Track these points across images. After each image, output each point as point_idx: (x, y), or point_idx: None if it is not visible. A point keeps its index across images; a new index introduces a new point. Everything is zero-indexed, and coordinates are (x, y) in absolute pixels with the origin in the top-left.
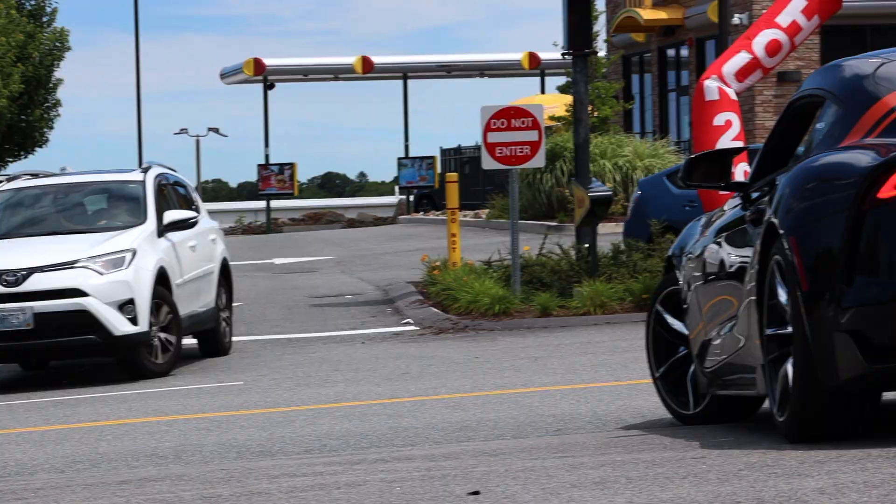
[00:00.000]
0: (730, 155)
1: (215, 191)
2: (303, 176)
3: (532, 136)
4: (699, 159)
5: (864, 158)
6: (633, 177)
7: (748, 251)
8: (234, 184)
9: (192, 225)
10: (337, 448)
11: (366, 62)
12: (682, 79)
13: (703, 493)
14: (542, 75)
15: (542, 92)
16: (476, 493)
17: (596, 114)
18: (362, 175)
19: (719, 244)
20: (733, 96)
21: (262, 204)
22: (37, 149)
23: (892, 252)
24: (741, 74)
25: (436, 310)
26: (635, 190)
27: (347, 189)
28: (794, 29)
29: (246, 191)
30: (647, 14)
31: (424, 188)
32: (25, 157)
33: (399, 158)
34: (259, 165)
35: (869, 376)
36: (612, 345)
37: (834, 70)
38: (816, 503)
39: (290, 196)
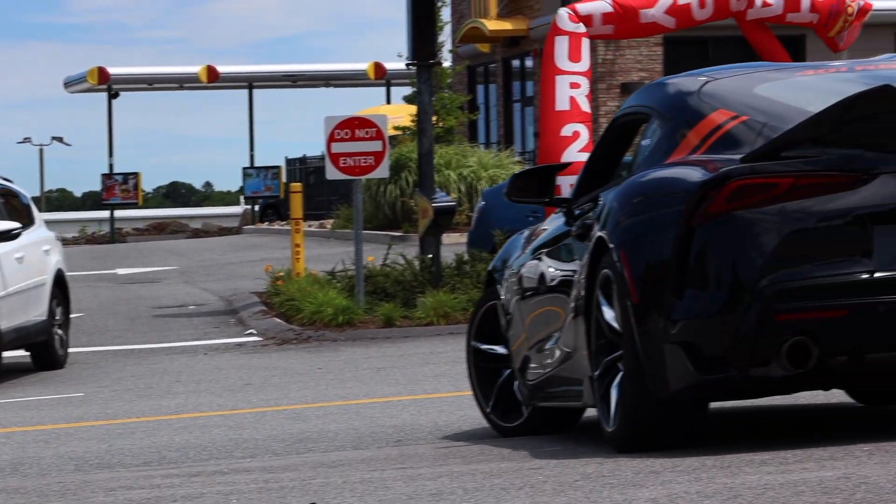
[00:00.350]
0: (553, 171)
1: (59, 200)
2: (148, 185)
3: (376, 146)
4: (523, 175)
5: (693, 174)
6: (477, 187)
7: (573, 265)
8: (78, 193)
9: (15, 236)
10: (176, 460)
11: (211, 71)
12: (527, 89)
13: None
14: (388, 85)
15: (388, 102)
16: None
17: (441, 124)
18: (208, 185)
19: (543, 258)
20: (585, 108)
21: (106, 214)
22: None
23: (720, 265)
24: (573, 55)
25: (279, 320)
26: (479, 200)
27: (193, 199)
28: None
29: (90, 200)
30: (493, 25)
31: (270, 198)
32: None
33: (244, 168)
34: (103, 175)
35: (700, 387)
36: (454, 355)
37: (659, 87)
38: None
39: (135, 206)
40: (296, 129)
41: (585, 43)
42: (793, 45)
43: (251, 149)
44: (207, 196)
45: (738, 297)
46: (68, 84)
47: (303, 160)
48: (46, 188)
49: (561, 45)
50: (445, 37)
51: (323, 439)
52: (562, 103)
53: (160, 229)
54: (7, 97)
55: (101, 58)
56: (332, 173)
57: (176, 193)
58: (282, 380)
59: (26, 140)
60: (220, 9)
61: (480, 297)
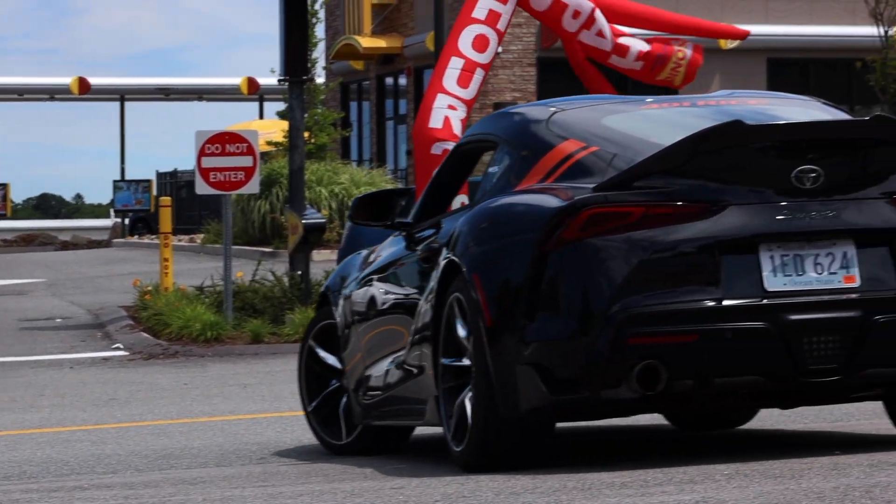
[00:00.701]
0: (394, 195)
1: None
2: (17, 197)
3: (247, 161)
4: (366, 199)
5: (548, 201)
6: (349, 204)
7: (417, 287)
8: None
9: None
10: (36, 475)
11: (82, 83)
12: (399, 107)
13: None
14: (261, 100)
15: (261, 117)
16: None
17: (313, 141)
18: (78, 197)
19: (384, 280)
20: (457, 130)
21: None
22: None
23: (574, 290)
24: (462, 81)
25: (146, 335)
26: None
27: (63, 211)
28: (493, 18)
29: None
30: (367, 42)
31: (140, 211)
32: None
33: (115, 181)
34: None
35: (551, 407)
36: None
37: (507, 117)
38: None
39: (3, 217)
40: (168, 143)
41: (479, 74)
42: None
43: (122, 161)
44: (78, 208)
45: (591, 320)
46: None
47: (174, 174)
48: None
49: (453, 68)
50: (319, 53)
51: (186, 455)
52: (435, 121)
53: (28, 241)
54: None
55: None
56: (201, 188)
57: (46, 205)
58: (147, 395)
59: None
60: (94, 21)
61: (313, 318)
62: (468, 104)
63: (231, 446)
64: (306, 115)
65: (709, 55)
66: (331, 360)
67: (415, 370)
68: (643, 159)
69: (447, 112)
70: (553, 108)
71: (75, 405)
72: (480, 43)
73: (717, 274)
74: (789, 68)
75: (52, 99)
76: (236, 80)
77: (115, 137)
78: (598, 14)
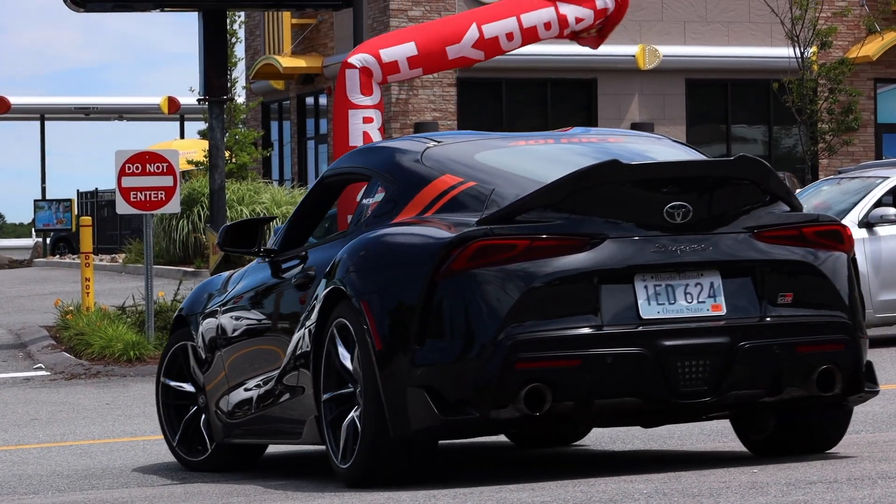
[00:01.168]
0: (262, 223)
1: None
2: None
3: (167, 181)
4: (234, 227)
5: (436, 233)
6: (270, 224)
7: (290, 312)
8: None
9: None
10: None
11: (2, 102)
12: (321, 127)
13: None
14: (182, 120)
15: (182, 136)
16: None
17: (234, 160)
18: None
19: (252, 304)
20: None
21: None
22: None
23: (464, 317)
24: (364, 89)
25: (68, 355)
26: (272, 237)
27: None
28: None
29: None
30: (286, 62)
31: (62, 231)
32: None
33: (36, 200)
34: None
35: (442, 427)
36: None
37: (380, 151)
38: None
39: None
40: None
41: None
42: (585, 88)
43: (43, 181)
44: None
45: (481, 346)
46: None
47: (95, 193)
48: None
49: (352, 79)
50: (239, 73)
51: (108, 476)
52: (355, 138)
53: None
54: None
55: None
56: (122, 207)
57: None
58: (69, 415)
59: None
60: (12, 40)
61: (169, 339)
62: (379, 108)
63: (152, 466)
64: (227, 135)
65: (627, 75)
66: (186, 387)
67: (292, 391)
68: (526, 195)
69: (364, 127)
70: (426, 144)
71: None
72: (369, 47)
73: (597, 303)
74: (707, 89)
75: None
76: (157, 100)
77: (36, 157)
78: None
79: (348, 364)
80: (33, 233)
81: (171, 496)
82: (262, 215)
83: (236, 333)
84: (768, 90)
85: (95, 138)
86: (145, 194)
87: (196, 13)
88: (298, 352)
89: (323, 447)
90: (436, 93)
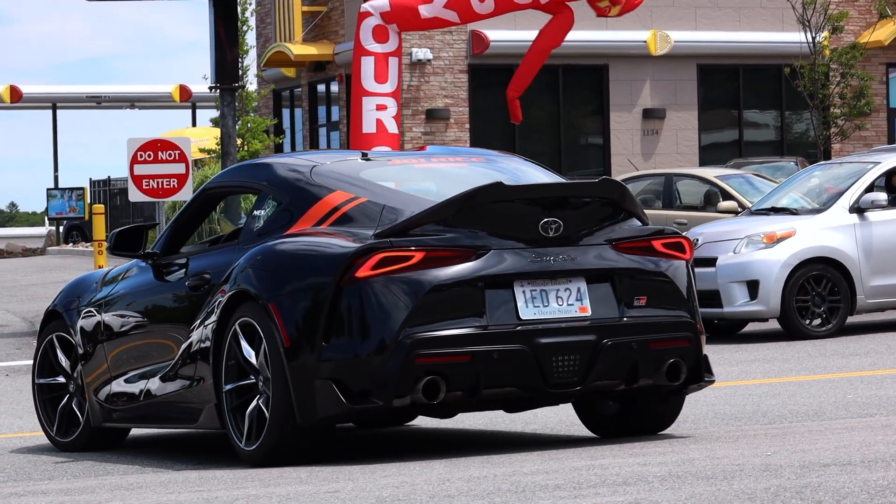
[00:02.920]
0: (145, 229)
1: None
2: None
3: (179, 168)
4: (122, 232)
5: (340, 244)
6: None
7: (181, 309)
8: None
9: None
10: None
11: (14, 91)
12: (332, 114)
13: None
14: (194, 108)
15: (194, 125)
16: None
17: (246, 148)
18: (13, 205)
19: (139, 302)
20: (392, 129)
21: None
22: None
23: (367, 319)
24: (379, 76)
25: None
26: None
27: None
28: (388, 14)
29: None
30: (298, 49)
31: (75, 219)
32: None
33: (49, 189)
34: None
35: (347, 414)
36: None
37: (267, 168)
38: None
39: None
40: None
41: (393, 63)
42: (596, 73)
43: (55, 170)
44: (12, 217)
45: (384, 344)
46: None
47: (107, 182)
48: None
49: (367, 66)
50: (251, 61)
51: (123, 461)
52: (368, 126)
53: None
54: None
55: None
56: (134, 195)
57: None
58: None
59: None
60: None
61: (39, 336)
62: (395, 97)
63: (166, 452)
64: (239, 123)
65: (639, 62)
66: (59, 379)
67: (189, 382)
68: (421, 212)
69: (378, 114)
70: (311, 162)
71: (12, 412)
72: (380, 33)
73: (483, 306)
74: (719, 74)
75: None
76: (168, 88)
77: (48, 145)
78: None
79: (252, 359)
80: (46, 221)
81: (185, 481)
82: None
83: (121, 329)
84: (780, 75)
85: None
86: (157, 182)
87: (207, 0)
88: (196, 347)
89: (211, 430)
90: (447, 79)
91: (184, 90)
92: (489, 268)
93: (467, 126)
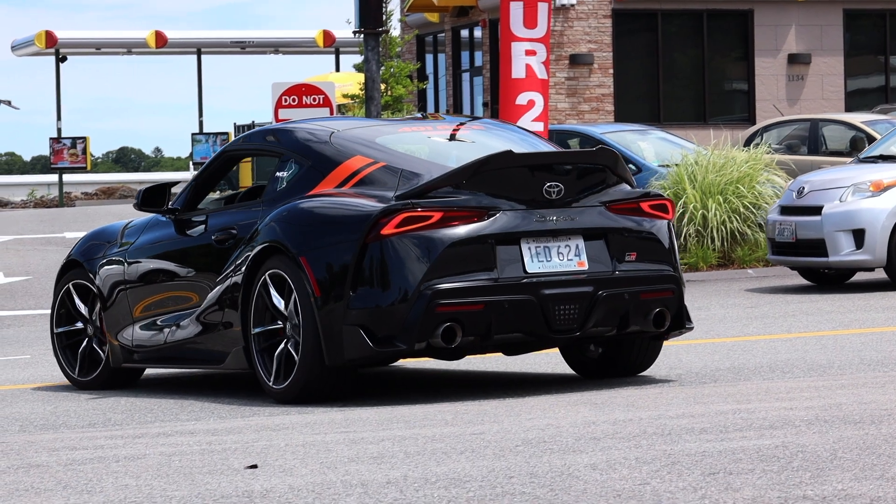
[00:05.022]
0: (168, 186)
1: (8, 164)
2: (97, 150)
3: (323, 113)
4: (148, 190)
5: (365, 204)
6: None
7: (208, 261)
8: (27, 157)
9: None
10: (121, 422)
11: (159, 37)
12: (475, 59)
13: (477, 468)
14: (337, 53)
15: (337, 70)
16: (254, 466)
17: (389, 93)
18: (157, 150)
19: (163, 254)
20: (541, 75)
21: (54, 178)
22: None
23: (392, 272)
24: (528, 21)
25: None
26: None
27: (143, 164)
28: None
29: (39, 164)
30: None
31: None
32: None
33: (193, 134)
34: (51, 139)
35: (373, 356)
36: None
37: (289, 133)
38: (587, 478)
39: (83, 170)
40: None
41: (542, 9)
42: (741, 19)
43: (200, 115)
44: (157, 162)
45: (407, 294)
46: (16, 47)
47: (251, 126)
48: None
49: (515, 11)
50: (394, 6)
51: (268, 403)
52: (517, 71)
53: (109, 194)
54: None
55: (49, 22)
56: None
57: (125, 159)
58: None
59: None
60: None
61: (55, 287)
62: (544, 42)
63: (344, 401)
64: (382, 68)
65: (784, 7)
66: (77, 325)
67: (217, 327)
68: (438, 176)
69: (527, 59)
70: (330, 128)
71: None
72: None
73: (493, 261)
74: (865, 19)
75: (129, 53)
76: (312, 33)
77: (193, 91)
78: None
79: (281, 307)
80: (191, 166)
81: (331, 422)
82: None
83: (145, 277)
84: None
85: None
86: None
87: None
88: (225, 295)
89: (237, 370)
90: (591, 24)
91: (327, 35)
92: (499, 227)
93: (611, 72)
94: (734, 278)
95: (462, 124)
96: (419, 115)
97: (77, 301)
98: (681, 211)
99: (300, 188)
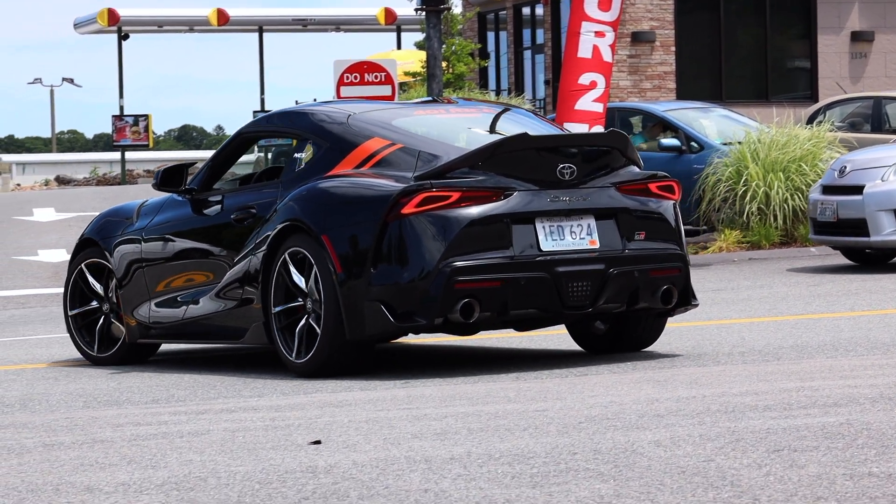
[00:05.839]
0: (186, 167)
1: (71, 142)
2: (159, 128)
3: (385, 90)
4: (168, 170)
5: (386, 185)
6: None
7: (225, 240)
8: (89, 135)
9: None
10: (184, 398)
11: (221, 15)
12: (537, 37)
13: (541, 445)
14: (399, 31)
15: (399, 48)
16: (317, 442)
17: (451, 70)
18: (219, 128)
19: (178, 233)
20: (606, 57)
21: (116, 155)
22: None
23: (413, 249)
24: (603, 4)
25: None
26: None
27: (205, 142)
28: None
29: (101, 142)
30: None
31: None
32: None
33: (255, 112)
34: (113, 116)
35: (394, 331)
36: None
37: (306, 116)
38: (652, 455)
39: (145, 148)
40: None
41: None
42: (804, 2)
43: (262, 92)
44: (219, 139)
45: (427, 271)
46: (78, 25)
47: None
48: (58, 129)
49: None
50: None
51: (331, 379)
52: (584, 51)
53: None
54: (17, 38)
55: None
56: None
57: (187, 136)
58: None
59: (36, 81)
60: None
61: (71, 263)
62: (613, 26)
63: (362, 375)
64: (444, 45)
65: None
66: (92, 304)
67: (237, 303)
68: (456, 157)
69: (595, 40)
70: (347, 111)
71: None
72: None
73: (510, 239)
74: None
75: (191, 31)
76: (374, 11)
77: (255, 68)
78: None
79: (301, 284)
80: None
81: (394, 399)
82: None
83: (162, 255)
84: None
85: (312, 50)
86: None
87: None
88: (245, 272)
89: (256, 346)
90: (653, 2)
91: (389, 13)
92: (515, 207)
93: (673, 49)
94: (796, 256)
95: (475, 108)
96: (429, 98)
97: (91, 280)
98: (743, 189)
99: (319, 169)
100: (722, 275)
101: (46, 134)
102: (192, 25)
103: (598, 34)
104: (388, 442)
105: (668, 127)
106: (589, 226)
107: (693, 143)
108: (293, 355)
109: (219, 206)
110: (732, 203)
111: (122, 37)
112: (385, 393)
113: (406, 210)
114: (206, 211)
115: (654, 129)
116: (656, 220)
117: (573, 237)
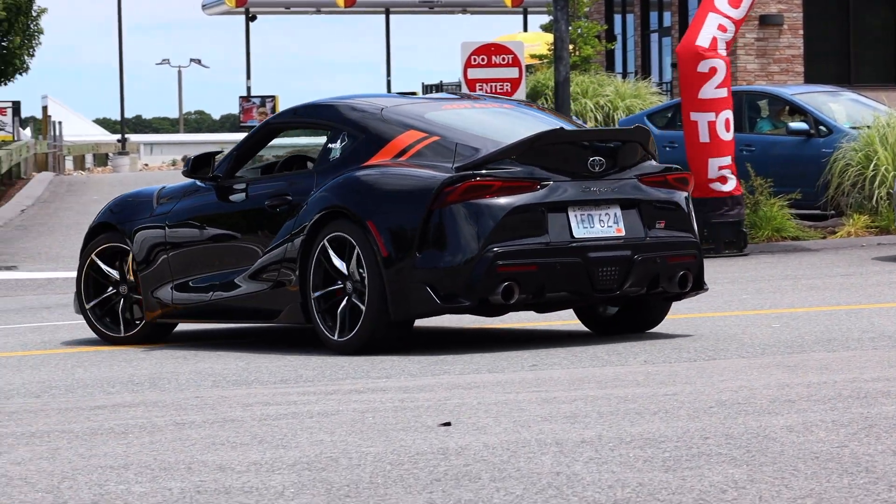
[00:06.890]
0: (213, 155)
1: (198, 122)
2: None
3: (512, 72)
4: (197, 158)
5: (429, 174)
6: (614, 116)
7: (257, 225)
8: (216, 116)
9: None
10: (312, 378)
11: None
12: (664, 20)
13: (671, 429)
14: (525, 13)
15: (525, 30)
16: (447, 424)
17: (578, 53)
18: None
19: (209, 217)
20: (722, 50)
21: (243, 136)
22: (17, 76)
23: (457, 235)
24: (734, 0)
25: None
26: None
27: None
28: None
29: (228, 123)
30: None
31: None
32: (5, 84)
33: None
34: (241, 97)
35: (439, 311)
36: None
37: (337, 109)
38: (784, 440)
39: None
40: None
41: None
42: None
43: (388, 74)
44: None
45: (471, 256)
46: (206, 6)
47: (439, 87)
48: (185, 110)
49: None
50: None
51: (458, 362)
52: (703, 39)
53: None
54: (146, 19)
55: None
56: None
57: None
58: None
59: (164, 62)
60: None
61: (83, 251)
62: (737, 24)
63: (502, 353)
64: (570, 28)
65: None
66: (108, 291)
67: (273, 284)
68: (496, 149)
69: (716, 32)
70: (379, 105)
71: None
72: None
73: (545, 226)
74: None
75: (318, 12)
76: None
77: (381, 50)
78: None
79: (342, 268)
80: None
81: (522, 381)
82: (605, 108)
83: (189, 240)
84: None
85: (439, 32)
86: (490, 86)
87: None
88: (282, 256)
89: (292, 325)
90: None
91: None
92: (550, 196)
93: (801, 32)
94: None
95: (496, 103)
96: (454, 94)
97: (104, 267)
98: (872, 173)
99: (355, 159)
100: (851, 259)
101: (174, 115)
102: (319, 7)
103: (721, 27)
104: (518, 424)
105: (796, 111)
106: (616, 214)
107: (822, 127)
108: (335, 334)
109: (243, 194)
110: (861, 188)
111: (250, 18)
112: (513, 375)
113: (451, 198)
114: (231, 198)
115: (781, 113)
116: (673, 210)
117: (602, 225)
